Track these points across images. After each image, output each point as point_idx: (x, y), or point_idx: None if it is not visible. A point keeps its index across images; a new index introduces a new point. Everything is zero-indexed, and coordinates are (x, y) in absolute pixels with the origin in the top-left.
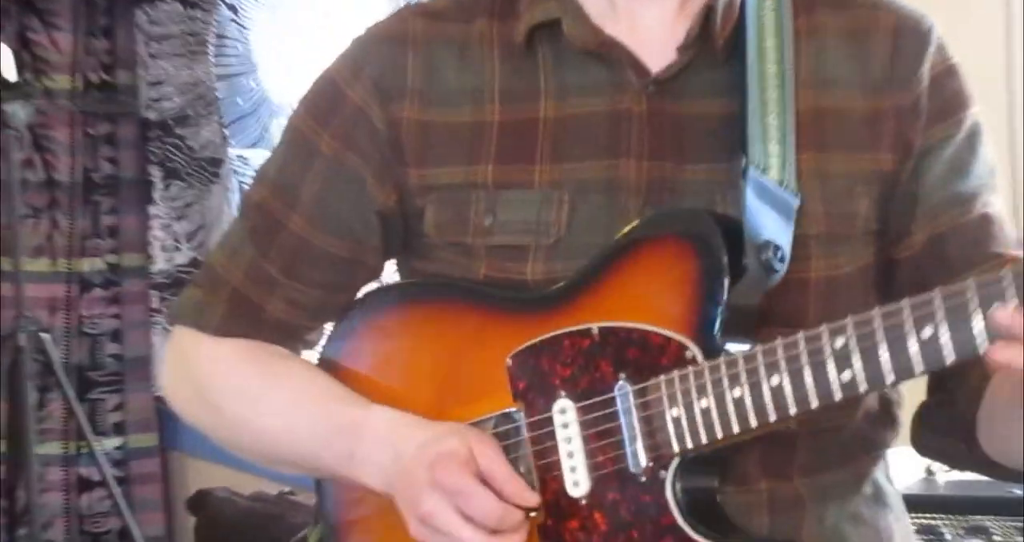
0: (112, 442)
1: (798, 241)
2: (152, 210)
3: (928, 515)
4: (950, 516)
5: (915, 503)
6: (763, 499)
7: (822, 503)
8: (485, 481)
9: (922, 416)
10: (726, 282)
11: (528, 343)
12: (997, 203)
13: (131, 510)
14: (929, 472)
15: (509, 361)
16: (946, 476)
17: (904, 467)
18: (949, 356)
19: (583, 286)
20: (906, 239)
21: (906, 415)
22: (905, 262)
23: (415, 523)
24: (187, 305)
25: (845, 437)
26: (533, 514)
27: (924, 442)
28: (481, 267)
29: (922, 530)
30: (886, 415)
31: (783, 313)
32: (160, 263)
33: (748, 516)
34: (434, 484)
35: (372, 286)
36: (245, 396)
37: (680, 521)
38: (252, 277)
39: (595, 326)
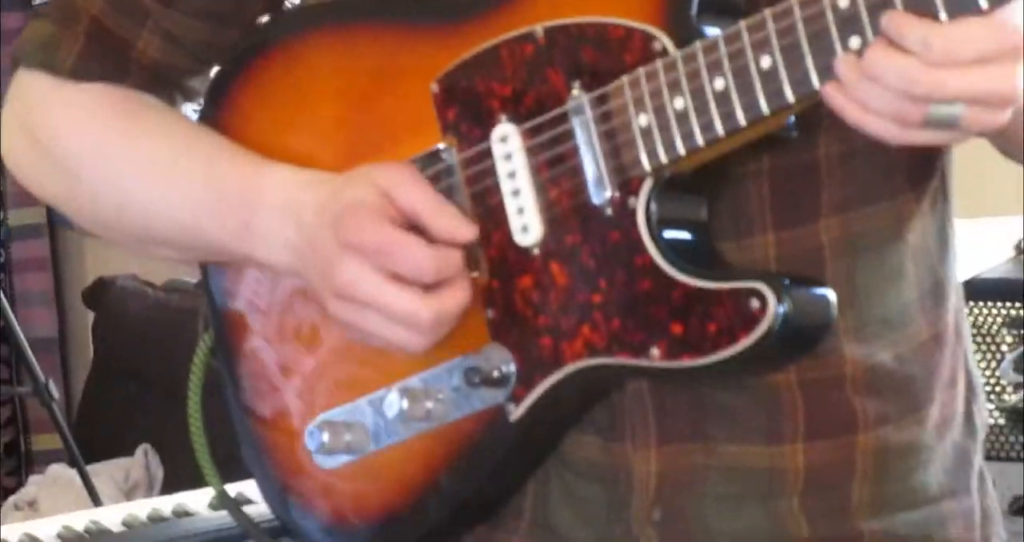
0: None
1: None
2: None
3: (1018, 304)
4: None
5: (1002, 290)
6: (768, 254)
7: (850, 254)
8: (409, 224)
9: None
10: None
11: (457, 61)
12: None
13: (12, 305)
14: (1019, 250)
15: (435, 86)
16: None
17: (986, 243)
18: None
19: None
20: None
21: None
22: None
23: (332, 301)
24: (34, 42)
25: (885, 161)
26: (475, 274)
27: None
28: None
29: (1010, 323)
30: None
31: None
32: None
33: None
34: (345, 246)
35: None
36: (105, 154)
37: (657, 257)
38: (117, 5)
39: (539, 27)
